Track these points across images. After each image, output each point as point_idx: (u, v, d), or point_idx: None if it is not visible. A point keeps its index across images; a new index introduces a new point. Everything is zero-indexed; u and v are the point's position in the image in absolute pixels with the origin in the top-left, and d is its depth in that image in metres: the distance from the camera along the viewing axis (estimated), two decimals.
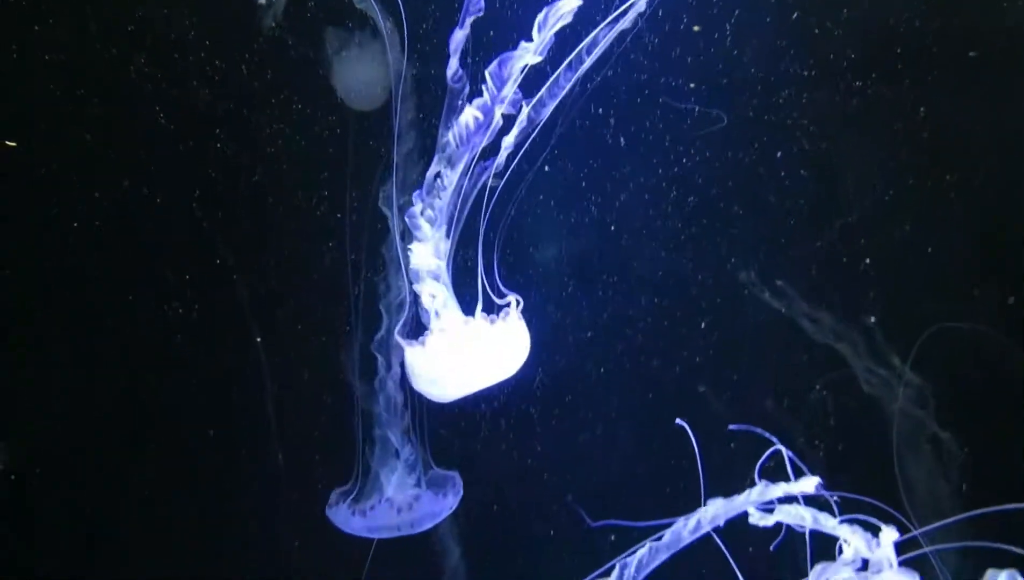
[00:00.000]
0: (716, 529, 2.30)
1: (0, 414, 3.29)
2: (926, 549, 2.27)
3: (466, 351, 2.55)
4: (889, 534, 2.16)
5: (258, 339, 3.20)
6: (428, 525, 3.13)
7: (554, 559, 3.32)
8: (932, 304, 3.12)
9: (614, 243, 3.19)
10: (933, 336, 3.04)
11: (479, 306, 2.55)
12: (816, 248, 3.16)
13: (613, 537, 2.94)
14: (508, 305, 2.54)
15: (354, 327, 3.08)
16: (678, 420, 2.55)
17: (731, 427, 2.59)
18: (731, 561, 2.35)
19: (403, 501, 3.08)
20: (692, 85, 3.03)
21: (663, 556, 2.28)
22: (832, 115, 3.08)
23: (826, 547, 2.30)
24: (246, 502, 3.37)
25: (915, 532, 2.29)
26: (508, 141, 2.42)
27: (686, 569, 2.43)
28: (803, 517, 2.20)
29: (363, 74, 2.94)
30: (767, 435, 2.44)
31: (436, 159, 2.46)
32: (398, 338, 2.58)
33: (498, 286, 2.55)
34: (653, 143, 3.09)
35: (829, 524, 2.20)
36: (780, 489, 2.24)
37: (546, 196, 3.11)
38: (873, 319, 3.08)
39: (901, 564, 2.21)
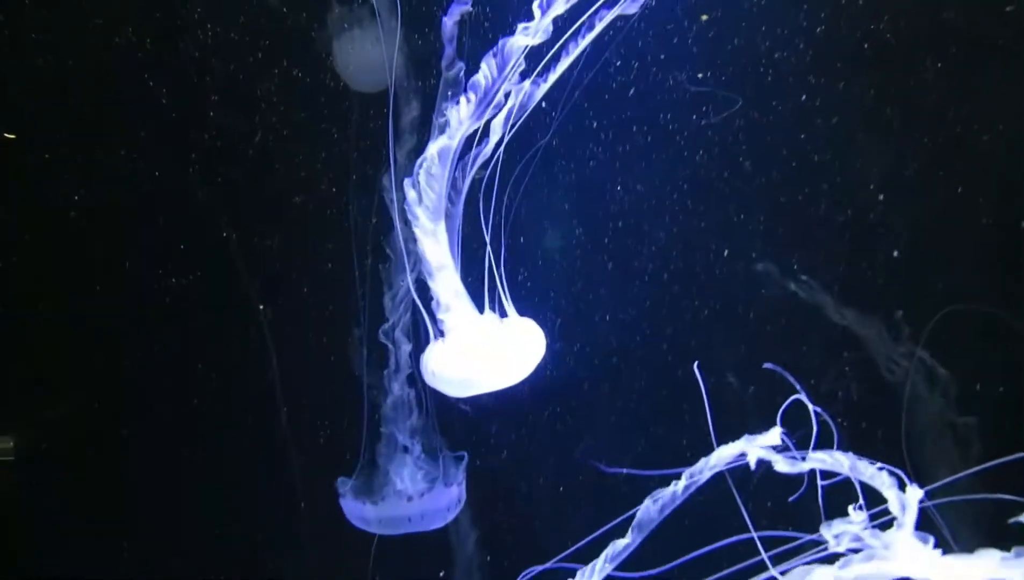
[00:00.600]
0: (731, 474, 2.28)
1: (5, 406, 3.29)
2: (924, 503, 2.22)
3: (480, 349, 2.50)
4: (914, 492, 2.12)
5: (260, 307, 3.16)
6: (440, 523, 3.11)
7: (567, 515, 3.27)
8: (947, 286, 3.06)
9: (622, 216, 3.12)
10: (948, 320, 2.97)
11: (487, 297, 2.51)
12: (830, 226, 3.09)
13: (625, 471, 2.93)
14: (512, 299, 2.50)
15: (361, 320, 3.05)
16: (695, 365, 2.52)
17: (765, 365, 2.55)
18: (743, 512, 2.31)
19: (414, 491, 3.08)
20: (701, 75, 2.96)
21: (677, 503, 2.26)
22: (846, 91, 3.00)
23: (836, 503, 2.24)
24: (249, 497, 3.35)
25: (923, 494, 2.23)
26: (497, 122, 2.37)
27: (698, 520, 2.41)
28: (840, 463, 2.15)
29: (363, 56, 2.88)
30: (791, 379, 2.39)
31: (429, 146, 2.41)
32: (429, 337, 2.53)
33: (503, 276, 2.51)
34: (661, 122, 3.03)
35: (868, 473, 2.14)
36: (741, 444, 2.23)
37: (551, 178, 3.05)
38: (901, 313, 3.02)
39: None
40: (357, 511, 3.10)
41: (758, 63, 2.96)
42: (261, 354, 3.18)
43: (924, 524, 2.16)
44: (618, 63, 2.91)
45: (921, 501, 2.08)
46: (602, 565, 2.22)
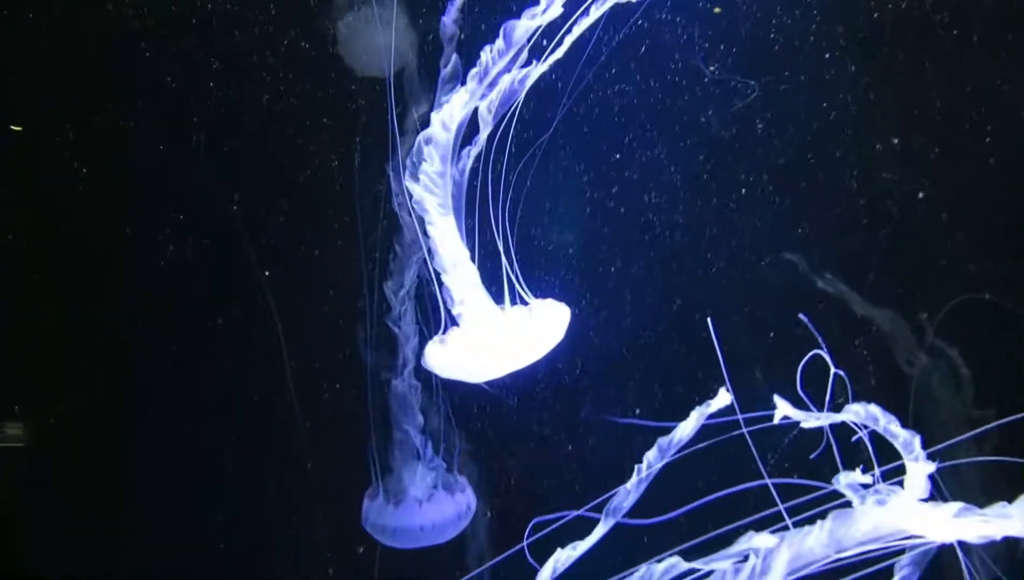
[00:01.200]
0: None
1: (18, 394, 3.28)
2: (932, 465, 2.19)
3: (492, 342, 2.45)
4: (925, 466, 2.08)
5: (266, 273, 3.11)
6: (452, 533, 3.09)
7: (577, 471, 3.25)
8: (961, 275, 3.02)
9: (631, 178, 3.09)
10: (967, 312, 2.94)
11: (503, 282, 2.47)
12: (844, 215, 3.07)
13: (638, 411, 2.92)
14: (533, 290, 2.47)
15: (367, 315, 3.02)
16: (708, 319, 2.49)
17: (800, 315, 2.51)
18: (758, 461, 2.30)
19: (424, 496, 3.07)
20: (713, 68, 2.96)
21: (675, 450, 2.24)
22: (859, 76, 2.97)
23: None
24: (250, 496, 3.34)
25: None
26: (484, 108, 2.33)
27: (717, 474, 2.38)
28: (876, 418, 2.10)
29: (367, 41, 2.86)
30: (816, 334, 2.35)
31: (421, 134, 2.38)
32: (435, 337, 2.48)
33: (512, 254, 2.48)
34: (672, 106, 3.02)
35: (901, 437, 2.08)
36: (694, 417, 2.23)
37: (558, 165, 3.03)
38: (926, 315, 2.99)
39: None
40: (374, 516, 3.08)
41: (770, 42, 2.94)
42: (268, 339, 3.14)
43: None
44: (628, 42, 2.89)
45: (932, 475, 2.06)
46: (609, 516, 2.19)
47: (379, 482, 3.10)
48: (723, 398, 2.21)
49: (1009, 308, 2.97)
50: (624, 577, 2.19)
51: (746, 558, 2.10)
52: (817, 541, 2.03)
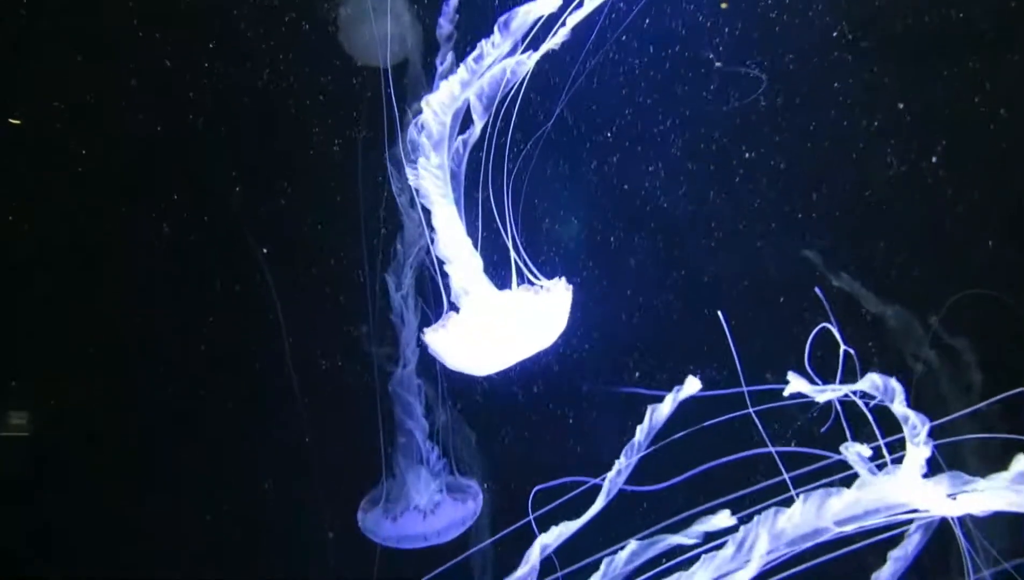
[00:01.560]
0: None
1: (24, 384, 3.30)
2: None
3: (501, 329, 2.45)
4: (922, 451, 2.08)
5: (263, 250, 3.10)
6: (456, 533, 3.08)
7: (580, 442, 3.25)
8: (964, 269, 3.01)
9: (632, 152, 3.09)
10: (975, 309, 2.93)
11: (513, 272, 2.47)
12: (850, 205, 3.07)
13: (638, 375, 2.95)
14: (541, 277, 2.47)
15: (370, 310, 3.02)
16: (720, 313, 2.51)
17: (816, 290, 2.56)
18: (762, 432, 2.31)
19: (428, 507, 3.05)
20: (719, 63, 2.97)
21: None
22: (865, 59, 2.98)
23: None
24: (255, 495, 3.33)
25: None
26: (474, 98, 2.34)
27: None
28: (893, 392, 2.10)
29: (368, 31, 2.86)
30: (827, 306, 2.39)
31: (412, 124, 2.41)
32: (426, 331, 2.48)
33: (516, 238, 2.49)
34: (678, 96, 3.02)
35: (910, 418, 2.09)
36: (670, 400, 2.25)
37: (563, 141, 3.02)
38: (935, 318, 2.99)
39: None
40: (372, 526, 3.08)
41: (774, 20, 2.94)
42: (267, 326, 3.13)
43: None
44: (635, 15, 2.90)
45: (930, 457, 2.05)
46: (612, 483, 2.19)
47: (383, 485, 3.09)
48: (692, 384, 2.23)
49: (1011, 304, 2.96)
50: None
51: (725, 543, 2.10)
52: (791, 522, 2.02)
